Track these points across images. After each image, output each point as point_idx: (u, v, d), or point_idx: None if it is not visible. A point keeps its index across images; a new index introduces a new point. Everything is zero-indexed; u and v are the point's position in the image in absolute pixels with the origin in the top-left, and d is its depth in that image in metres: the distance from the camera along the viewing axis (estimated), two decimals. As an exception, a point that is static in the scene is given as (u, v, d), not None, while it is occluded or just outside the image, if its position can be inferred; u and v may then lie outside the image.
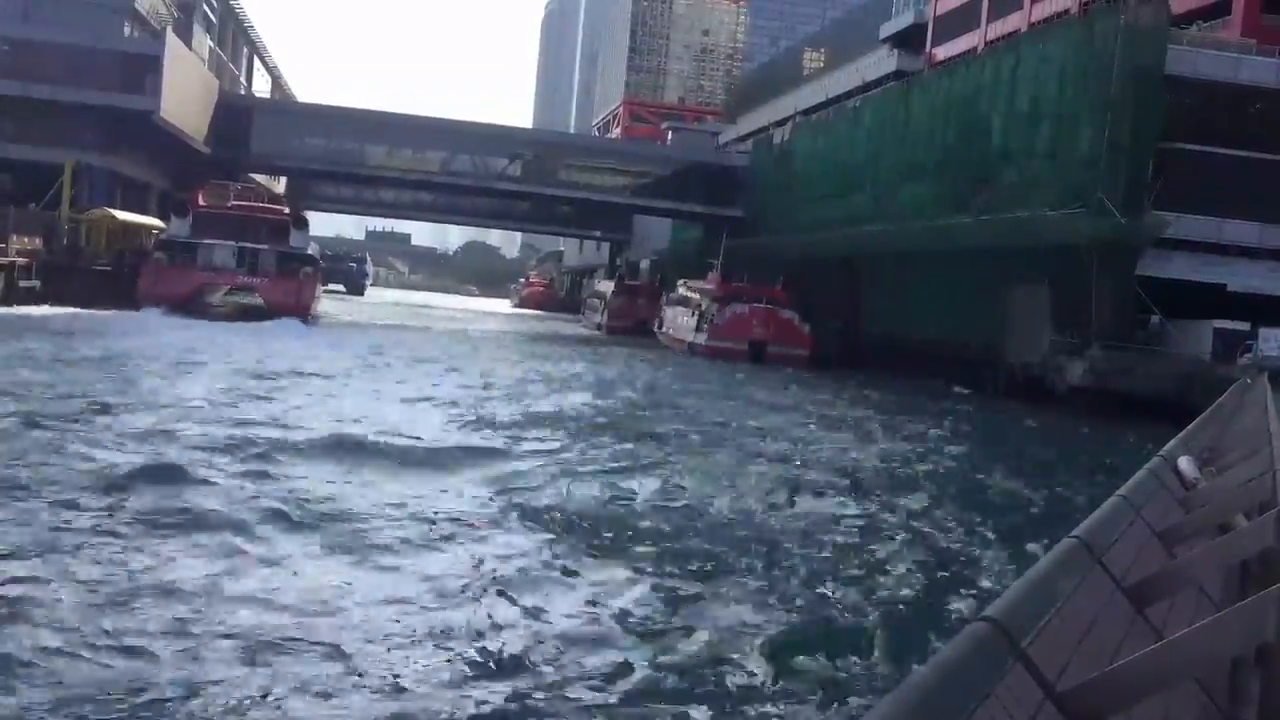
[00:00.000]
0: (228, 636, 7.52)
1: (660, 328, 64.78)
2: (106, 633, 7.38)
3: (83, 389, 19.70)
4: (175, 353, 28.34)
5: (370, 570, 9.59)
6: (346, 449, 15.47)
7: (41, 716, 6.10)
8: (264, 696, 6.60)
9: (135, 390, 20.76)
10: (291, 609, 8.23)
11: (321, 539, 10.47)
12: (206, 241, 46.53)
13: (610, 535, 11.75)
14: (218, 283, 45.36)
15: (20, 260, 41.12)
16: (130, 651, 7.09)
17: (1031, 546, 11.87)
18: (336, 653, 7.40)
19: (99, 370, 23.36)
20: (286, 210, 53.43)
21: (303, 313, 45.63)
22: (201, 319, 41.25)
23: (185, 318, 40.82)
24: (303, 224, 50.90)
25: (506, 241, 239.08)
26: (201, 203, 49.67)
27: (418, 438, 17.37)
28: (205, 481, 12.44)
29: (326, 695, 6.70)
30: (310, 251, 50.34)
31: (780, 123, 76.80)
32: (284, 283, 45.94)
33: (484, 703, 6.81)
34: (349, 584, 9.10)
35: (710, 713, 7.06)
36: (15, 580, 8.27)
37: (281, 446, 15.30)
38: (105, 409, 17.50)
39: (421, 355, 37.34)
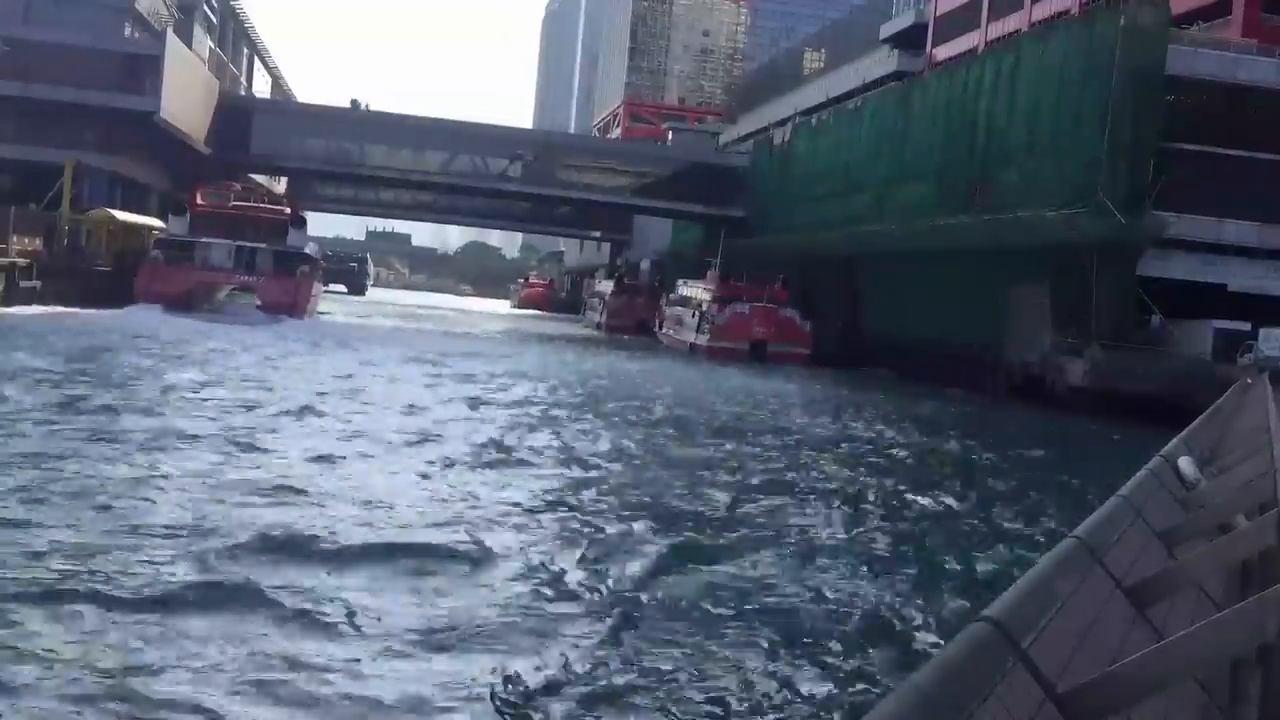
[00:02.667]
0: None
1: (661, 328, 64.80)
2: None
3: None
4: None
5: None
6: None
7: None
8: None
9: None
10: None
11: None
12: (204, 240, 46.25)
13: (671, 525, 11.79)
14: (215, 281, 45.18)
15: (20, 261, 41.07)
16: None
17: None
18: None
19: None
20: (286, 209, 53.24)
21: (300, 311, 45.42)
22: (197, 316, 41.30)
23: (180, 315, 40.64)
24: (301, 223, 50.73)
25: (507, 242, 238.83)
26: (200, 202, 49.50)
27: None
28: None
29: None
30: (310, 251, 50.08)
31: (781, 123, 76.76)
32: (281, 281, 45.75)
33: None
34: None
35: (710, 710, 7.06)
36: None
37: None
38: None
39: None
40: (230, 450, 14.68)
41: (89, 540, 9.44)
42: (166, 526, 10.23)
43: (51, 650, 6.85)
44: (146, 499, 11.28)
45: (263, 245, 47.00)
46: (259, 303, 45.18)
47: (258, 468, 13.70)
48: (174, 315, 40.11)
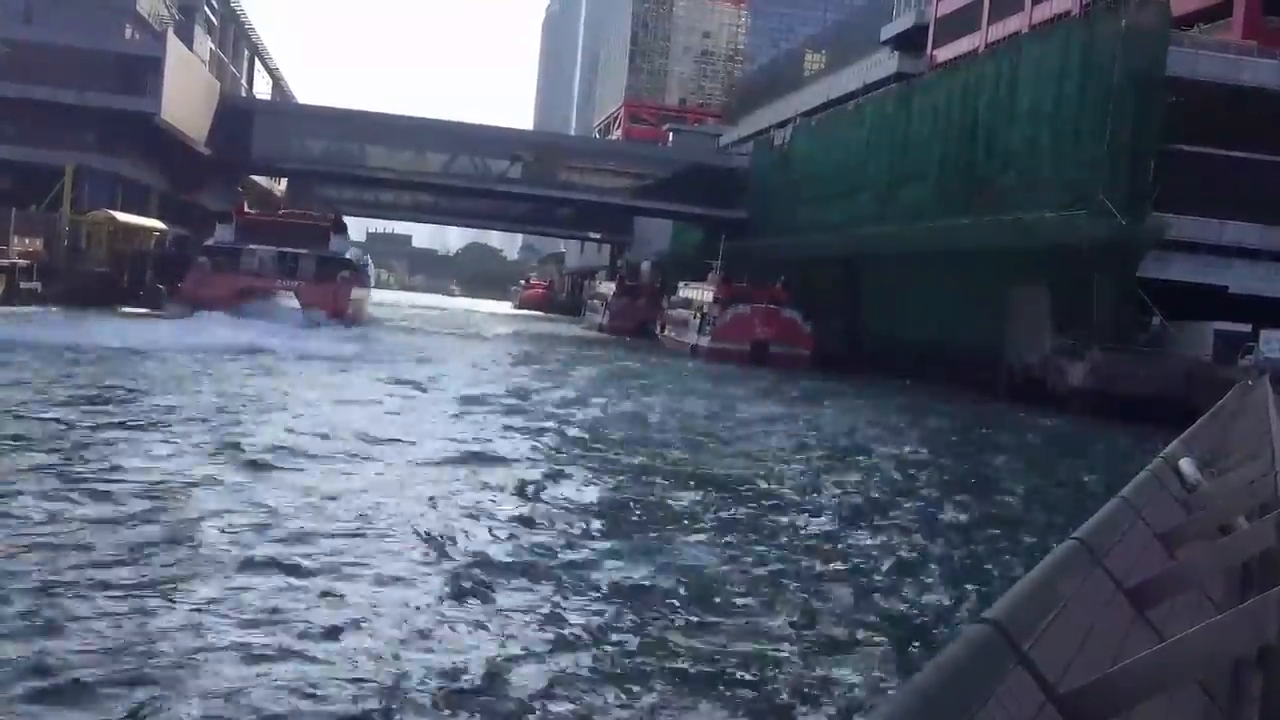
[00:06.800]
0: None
1: (662, 329, 64.80)
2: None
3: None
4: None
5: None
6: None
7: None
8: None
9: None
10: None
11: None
12: (250, 247, 48.31)
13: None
14: (258, 286, 46.42)
15: (21, 262, 41.13)
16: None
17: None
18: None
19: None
20: (330, 216, 55.39)
21: (339, 313, 46.53)
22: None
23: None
24: (341, 229, 53.00)
25: (507, 243, 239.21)
26: (246, 211, 52.11)
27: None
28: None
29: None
30: (350, 256, 52.07)
31: (781, 124, 76.81)
32: (321, 286, 47.33)
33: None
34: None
35: (711, 709, 7.06)
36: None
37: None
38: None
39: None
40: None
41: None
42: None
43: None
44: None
45: (304, 251, 48.86)
46: (299, 306, 46.02)
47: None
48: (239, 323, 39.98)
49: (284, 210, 54.51)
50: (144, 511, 10.78)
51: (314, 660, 7.23)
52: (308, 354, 32.01)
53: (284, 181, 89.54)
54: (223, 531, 10.36)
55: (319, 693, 6.70)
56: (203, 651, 7.15)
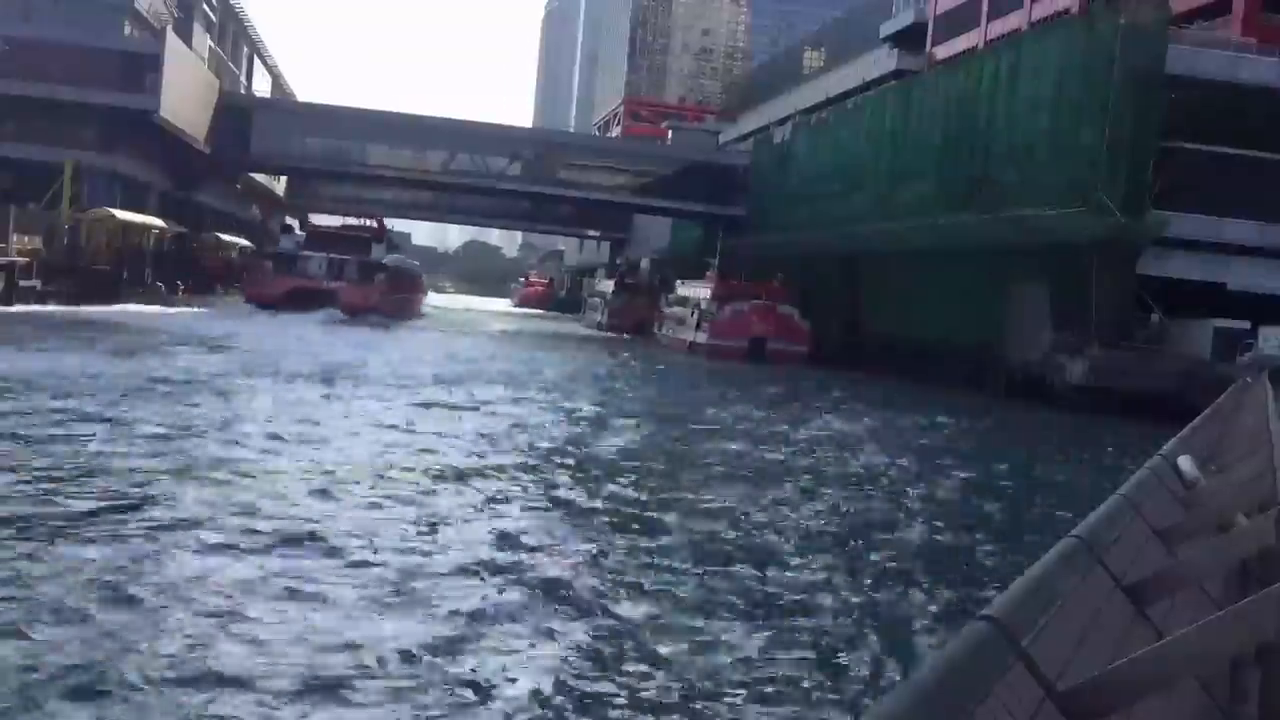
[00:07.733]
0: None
1: (660, 327, 64.78)
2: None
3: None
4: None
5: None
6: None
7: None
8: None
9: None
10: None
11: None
12: (304, 253, 57.21)
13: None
14: (308, 286, 53.72)
15: (21, 260, 41.12)
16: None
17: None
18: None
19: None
20: (375, 226, 64.20)
21: (373, 310, 52.98)
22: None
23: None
24: (381, 238, 61.69)
25: (507, 241, 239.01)
26: (309, 223, 65.77)
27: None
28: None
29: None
30: (387, 260, 59.84)
31: (781, 122, 76.74)
32: (360, 288, 54.81)
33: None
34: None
35: (708, 709, 7.07)
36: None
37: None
38: None
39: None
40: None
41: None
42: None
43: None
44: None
45: (349, 257, 56.87)
46: (340, 305, 52.00)
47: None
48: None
49: (345, 225, 65.50)
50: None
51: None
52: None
53: (283, 179, 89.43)
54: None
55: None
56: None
